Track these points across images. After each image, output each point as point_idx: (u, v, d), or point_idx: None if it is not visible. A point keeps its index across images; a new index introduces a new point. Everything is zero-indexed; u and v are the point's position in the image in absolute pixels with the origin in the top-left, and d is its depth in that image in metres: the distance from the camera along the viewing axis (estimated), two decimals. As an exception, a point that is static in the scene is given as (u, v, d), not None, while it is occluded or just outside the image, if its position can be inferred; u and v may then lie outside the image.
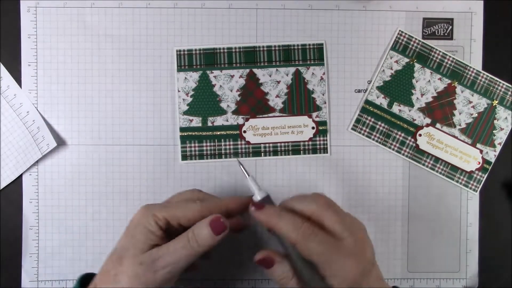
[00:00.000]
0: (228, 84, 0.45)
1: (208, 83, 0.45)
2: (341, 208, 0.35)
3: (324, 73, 0.46)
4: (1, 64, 0.45)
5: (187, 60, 0.45)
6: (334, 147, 0.46)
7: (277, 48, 0.46)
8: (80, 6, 0.45)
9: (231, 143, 0.46)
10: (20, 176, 0.46)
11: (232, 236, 0.46)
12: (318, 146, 0.46)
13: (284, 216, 0.33)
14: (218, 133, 0.46)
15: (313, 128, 0.46)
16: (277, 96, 0.46)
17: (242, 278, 0.46)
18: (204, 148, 0.46)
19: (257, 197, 0.35)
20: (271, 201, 0.35)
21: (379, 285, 0.34)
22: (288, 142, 0.46)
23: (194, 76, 0.45)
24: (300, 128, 0.46)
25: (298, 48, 0.46)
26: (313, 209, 0.34)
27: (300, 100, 0.46)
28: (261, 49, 0.45)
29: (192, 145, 0.46)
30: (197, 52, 0.45)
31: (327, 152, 0.46)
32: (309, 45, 0.46)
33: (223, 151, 0.46)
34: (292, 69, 0.46)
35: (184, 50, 0.45)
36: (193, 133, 0.45)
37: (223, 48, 0.46)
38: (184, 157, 0.46)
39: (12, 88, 0.45)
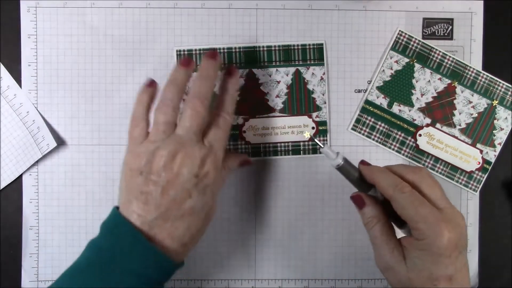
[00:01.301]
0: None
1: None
2: (440, 186, 0.36)
3: (324, 73, 0.46)
4: (1, 64, 0.45)
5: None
6: (334, 147, 0.46)
7: (277, 48, 0.46)
8: (80, 6, 0.45)
9: (231, 142, 0.46)
10: (20, 176, 0.46)
11: (231, 235, 0.46)
12: (318, 146, 0.46)
13: (385, 173, 0.36)
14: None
15: (313, 128, 0.46)
16: (277, 96, 0.46)
17: (242, 278, 0.46)
18: None
19: (338, 161, 0.38)
20: (350, 162, 0.38)
21: (464, 275, 0.34)
22: (288, 142, 0.46)
23: (194, 76, 0.45)
24: (300, 128, 0.46)
25: (298, 48, 0.46)
26: (415, 177, 0.35)
27: (300, 100, 0.46)
28: (261, 49, 0.45)
29: None
30: (197, 52, 0.45)
31: (317, 152, 0.46)
32: (309, 45, 0.46)
33: None
34: (292, 69, 0.46)
35: (184, 50, 0.45)
36: None
37: (223, 48, 0.46)
38: None
39: (12, 88, 0.45)
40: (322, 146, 0.38)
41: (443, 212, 0.34)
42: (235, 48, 0.46)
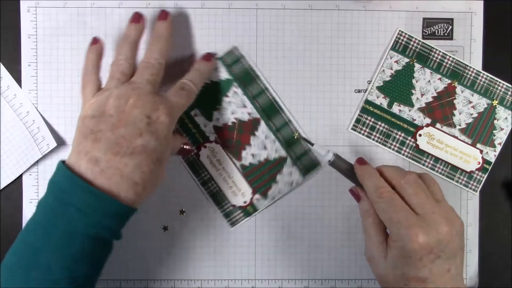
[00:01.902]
0: (235, 107, 0.45)
1: (225, 91, 0.45)
2: (427, 192, 0.37)
3: (297, 183, 0.46)
4: (1, 64, 0.45)
5: (232, 60, 0.46)
6: (334, 147, 0.46)
7: (292, 128, 0.46)
8: (80, 6, 0.45)
9: (189, 140, 0.46)
10: (20, 176, 0.46)
11: (231, 235, 0.46)
12: (232, 216, 0.46)
13: (372, 176, 0.38)
14: (189, 125, 0.46)
15: (245, 202, 0.46)
16: (253, 155, 0.45)
17: (242, 278, 0.46)
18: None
19: (328, 157, 0.40)
20: (342, 158, 0.41)
21: (446, 281, 0.35)
22: (220, 188, 0.46)
23: (224, 74, 0.45)
24: (238, 191, 0.46)
25: (304, 146, 0.46)
26: (400, 182, 0.37)
27: (261, 176, 0.46)
28: (283, 115, 0.46)
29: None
30: (244, 63, 0.45)
31: (233, 226, 0.46)
32: (312, 154, 0.46)
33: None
34: (282, 153, 0.46)
35: (238, 52, 0.45)
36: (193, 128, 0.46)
37: (263, 83, 0.46)
38: None
39: (12, 88, 0.45)
40: (312, 144, 0.40)
41: (422, 218, 0.35)
42: (269, 93, 0.46)
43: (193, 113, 0.45)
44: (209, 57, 0.44)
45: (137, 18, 0.41)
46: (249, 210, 0.46)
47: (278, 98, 0.46)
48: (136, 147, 0.34)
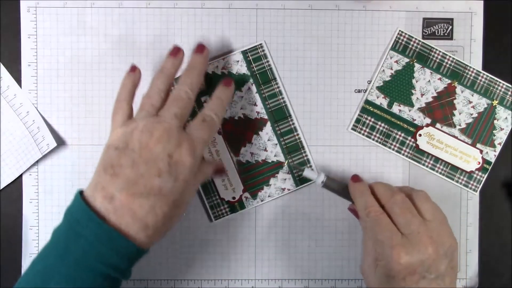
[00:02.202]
0: (246, 103, 0.46)
1: (240, 85, 0.46)
2: (414, 212, 0.37)
3: (288, 190, 0.46)
4: (1, 64, 0.45)
5: (255, 57, 0.46)
6: (334, 147, 0.46)
7: (296, 136, 0.46)
8: (80, 6, 0.45)
9: None
10: (20, 176, 0.46)
11: (231, 235, 0.46)
12: (218, 209, 0.46)
13: (363, 194, 0.39)
14: (198, 111, 0.45)
15: (234, 198, 0.46)
16: (252, 153, 0.46)
17: (242, 278, 0.46)
18: None
19: (320, 179, 0.42)
20: (332, 178, 0.43)
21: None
22: (212, 180, 0.46)
23: (242, 69, 0.45)
24: (229, 186, 0.46)
25: (304, 156, 0.46)
26: (388, 201, 0.38)
27: (255, 176, 0.46)
28: (291, 121, 0.46)
29: None
30: (266, 63, 0.46)
31: (213, 220, 0.46)
32: (310, 166, 0.46)
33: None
34: (281, 158, 0.46)
35: (263, 49, 0.45)
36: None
37: (278, 86, 0.46)
38: None
39: (12, 88, 0.45)
40: (303, 170, 0.40)
41: (406, 238, 0.36)
42: (282, 97, 0.46)
43: (203, 99, 0.45)
44: (229, 82, 0.42)
45: (175, 52, 0.40)
46: (236, 206, 0.46)
47: (289, 104, 0.46)
48: (153, 188, 0.33)
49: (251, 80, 0.45)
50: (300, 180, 0.46)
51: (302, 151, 0.46)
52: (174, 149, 0.34)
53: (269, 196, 0.46)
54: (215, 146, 0.45)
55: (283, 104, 0.46)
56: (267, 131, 0.46)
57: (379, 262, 0.36)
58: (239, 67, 0.46)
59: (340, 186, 0.42)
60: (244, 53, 0.46)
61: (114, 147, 0.35)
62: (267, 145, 0.46)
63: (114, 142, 0.35)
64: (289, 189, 0.46)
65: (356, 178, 0.41)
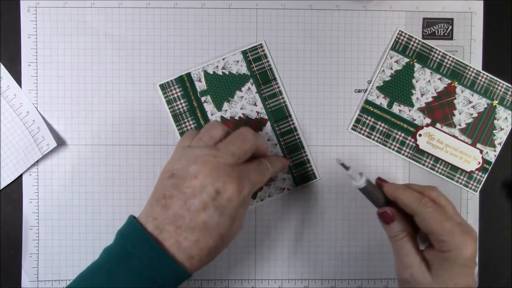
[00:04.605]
0: (246, 103, 0.46)
1: (240, 85, 0.46)
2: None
3: (288, 189, 0.46)
4: (1, 64, 0.45)
5: (255, 57, 0.46)
6: (334, 147, 0.46)
7: (297, 136, 0.46)
8: (80, 6, 0.45)
9: (192, 126, 0.46)
10: (20, 176, 0.46)
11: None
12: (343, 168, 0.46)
13: (407, 190, 0.37)
14: (197, 111, 0.45)
15: None
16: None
17: (242, 278, 0.46)
18: (178, 102, 0.45)
19: (362, 182, 0.38)
20: (371, 183, 0.39)
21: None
22: None
23: (242, 69, 0.46)
24: None
25: (304, 156, 0.46)
26: (432, 194, 0.37)
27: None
28: (291, 121, 0.46)
29: (177, 90, 0.45)
30: (266, 63, 0.46)
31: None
32: (310, 166, 0.46)
33: (181, 121, 0.46)
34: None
35: (263, 50, 0.46)
36: (188, 86, 0.45)
37: (278, 86, 0.46)
38: (163, 87, 0.45)
39: (12, 88, 0.45)
40: (348, 168, 0.38)
41: (462, 226, 0.35)
42: (282, 97, 0.46)
43: (203, 99, 0.45)
44: (287, 158, 0.45)
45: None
46: None
47: (289, 104, 0.46)
48: (198, 223, 0.34)
49: (251, 80, 0.45)
50: (300, 180, 0.46)
51: (302, 151, 0.46)
52: (222, 185, 0.34)
53: (269, 196, 0.46)
54: None
55: (283, 104, 0.46)
56: (267, 131, 0.46)
57: (445, 253, 0.35)
58: (239, 67, 0.46)
59: (378, 191, 0.39)
60: (244, 53, 0.46)
61: (169, 174, 0.35)
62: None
63: (169, 167, 0.36)
64: (288, 189, 0.46)
65: (382, 179, 0.40)
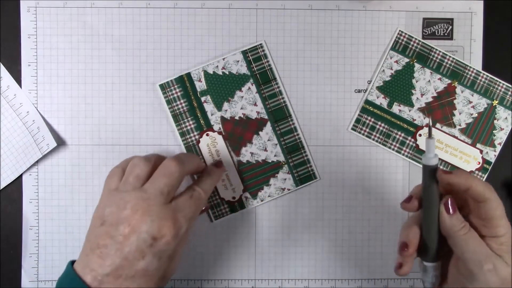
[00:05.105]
0: (246, 103, 0.46)
1: (240, 85, 0.46)
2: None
3: (288, 190, 0.46)
4: (1, 64, 0.45)
5: (255, 57, 0.46)
6: (334, 147, 0.46)
7: (297, 136, 0.46)
8: (80, 6, 0.45)
9: (192, 126, 0.45)
10: (20, 176, 0.46)
11: (231, 235, 0.46)
12: (218, 209, 0.46)
13: (476, 177, 0.34)
14: (197, 111, 0.45)
15: (234, 198, 0.46)
16: (252, 153, 0.46)
17: (242, 278, 0.46)
18: (178, 102, 0.45)
19: (432, 161, 0.35)
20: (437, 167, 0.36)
21: None
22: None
23: (242, 69, 0.46)
24: (229, 185, 0.46)
25: (304, 156, 0.46)
26: (485, 189, 0.34)
27: (255, 176, 0.46)
28: (291, 121, 0.46)
29: (177, 90, 0.45)
30: (266, 63, 0.46)
31: (213, 220, 0.46)
32: (310, 165, 0.46)
33: (181, 122, 0.46)
34: (281, 158, 0.46)
35: (263, 50, 0.46)
36: (188, 86, 0.45)
37: (278, 86, 0.46)
38: (162, 87, 0.45)
39: (12, 88, 0.45)
40: (432, 137, 0.35)
41: None
42: (282, 97, 0.46)
43: (203, 99, 0.45)
44: (220, 164, 0.44)
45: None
46: (236, 206, 0.46)
47: (289, 104, 0.46)
48: (138, 271, 0.34)
49: (251, 80, 0.46)
50: (300, 180, 0.46)
51: (302, 151, 0.46)
52: (157, 230, 0.34)
53: (269, 196, 0.46)
54: (215, 146, 0.45)
55: (283, 104, 0.46)
56: (267, 131, 0.46)
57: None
58: (239, 67, 0.46)
59: (434, 179, 0.35)
60: (244, 53, 0.46)
61: (101, 222, 0.35)
62: (267, 145, 0.46)
63: (99, 214, 0.35)
64: (289, 189, 0.46)
65: (446, 171, 0.35)
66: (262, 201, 0.46)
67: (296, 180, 0.46)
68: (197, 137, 0.46)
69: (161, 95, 0.46)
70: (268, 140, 0.46)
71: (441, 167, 0.35)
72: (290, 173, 0.46)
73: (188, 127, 0.46)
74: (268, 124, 0.46)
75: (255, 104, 0.46)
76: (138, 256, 0.33)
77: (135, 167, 0.36)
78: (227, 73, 0.46)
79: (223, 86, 0.46)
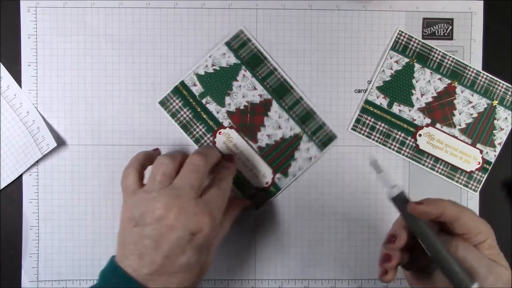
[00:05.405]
0: (246, 90, 0.46)
1: (234, 75, 0.45)
2: None
3: (315, 157, 0.46)
4: (1, 64, 0.45)
5: (239, 44, 0.45)
6: (334, 147, 0.47)
7: (305, 104, 0.46)
8: (80, 6, 0.45)
9: (203, 129, 0.46)
10: (20, 176, 0.46)
11: (231, 235, 0.46)
12: (256, 198, 0.46)
13: (445, 201, 0.35)
14: (202, 113, 0.46)
15: (267, 183, 0.46)
16: (268, 135, 0.46)
17: (242, 278, 0.46)
18: (182, 112, 0.46)
19: (394, 192, 0.35)
20: (406, 196, 0.36)
21: None
22: (240, 173, 0.46)
23: (231, 59, 0.45)
24: (258, 173, 0.46)
25: (318, 121, 0.46)
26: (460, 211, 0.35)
27: (279, 155, 0.46)
28: (294, 93, 0.46)
29: (177, 101, 0.45)
30: (252, 46, 0.45)
31: (257, 209, 0.46)
32: (327, 127, 0.46)
33: (192, 129, 0.46)
34: (297, 130, 0.46)
35: (245, 35, 0.45)
36: (186, 94, 0.45)
37: (271, 64, 0.46)
38: (162, 103, 0.45)
39: (12, 88, 0.45)
40: (381, 172, 0.36)
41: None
42: (277, 73, 0.46)
43: (204, 101, 0.45)
44: (232, 158, 0.43)
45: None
46: (272, 190, 0.46)
47: (287, 77, 0.46)
48: (180, 266, 0.34)
49: (243, 67, 0.45)
50: (323, 144, 0.46)
51: (315, 116, 0.46)
52: (194, 224, 0.34)
53: (299, 169, 0.46)
54: (231, 141, 0.45)
55: (282, 79, 0.46)
56: (275, 109, 0.46)
57: (488, 251, 0.35)
58: (227, 58, 0.46)
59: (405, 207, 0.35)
60: (228, 44, 0.46)
61: (134, 223, 0.35)
62: (280, 123, 0.46)
63: (131, 215, 0.35)
64: (315, 156, 0.46)
65: (416, 202, 0.36)
66: (294, 176, 0.46)
67: (319, 146, 0.46)
68: (211, 138, 0.46)
69: (163, 111, 0.46)
70: (279, 117, 0.46)
71: (412, 199, 0.35)
72: (311, 141, 0.46)
73: (200, 132, 0.46)
74: (274, 102, 0.46)
75: (255, 88, 0.46)
76: (179, 253, 0.34)
77: (161, 165, 0.36)
78: (218, 68, 0.46)
79: (219, 82, 0.46)
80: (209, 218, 0.35)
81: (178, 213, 0.34)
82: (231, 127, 0.46)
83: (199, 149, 0.39)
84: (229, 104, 0.46)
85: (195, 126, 0.46)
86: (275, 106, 0.46)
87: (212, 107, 0.46)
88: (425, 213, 0.35)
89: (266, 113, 0.46)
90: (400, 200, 0.36)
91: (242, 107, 0.46)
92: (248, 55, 0.46)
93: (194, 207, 0.35)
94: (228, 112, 0.46)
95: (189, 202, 0.35)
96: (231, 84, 0.46)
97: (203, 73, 0.46)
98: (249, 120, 0.46)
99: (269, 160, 0.46)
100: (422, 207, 0.35)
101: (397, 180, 0.47)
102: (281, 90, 0.46)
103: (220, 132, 0.46)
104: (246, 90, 0.46)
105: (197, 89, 0.46)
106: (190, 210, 0.34)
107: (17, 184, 0.46)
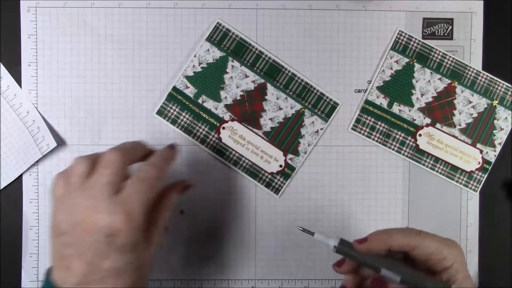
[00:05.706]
0: (238, 80, 0.45)
1: (223, 68, 0.45)
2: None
3: (322, 129, 0.46)
4: (1, 64, 0.45)
5: (220, 36, 0.45)
6: (334, 147, 0.47)
7: (299, 80, 0.46)
8: (80, 6, 0.45)
9: (206, 128, 0.46)
10: (20, 176, 0.46)
11: (231, 235, 0.46)
12: (273, 184, 0.46)
13: (392, 231, 0.35)
14: (202, 113, 0.46)
15: (280, 166, 0.46)
16: (271, 119, 0.46)
17: (242, 278, 0.46)
18: (182, 117, 0.46)
19: (333, 244, 0.37)
20: (348, 242, 0.36)
21: None
22: (252, 162, 0.46)
23: (216, 53, 0.45)
24: (270, 158, 0.46)
25: (316, 93, 0.46)
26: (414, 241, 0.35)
27: (286, 136, 0.46)
28: (286, 71, 0.46)
29: (174, 107, 0.45)
30: (233, 35, 0.45)
31: (278, 194, 0.46)
32: (327, 97, 0.46)
33: (195, 131, 0.46)
34: (298, 106, 0.46)
35: (223, 26, 0.45)
36: (181, 98, 0.45)
37: (256, 49, 0.46)
38: (160, 113, 0.46)
39: (12, 88, 0.45)
40: (313, 234, 0.38)
41: (444, 239, 0.35)
42: (265, 55, 0.46)
43: (200, 100, 0.45)
44: (172, 147, 0.39)
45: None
46: (287, 172, 0.46)
47: (275, 58, 0.46)
48: (106, 271, 0.32)
49: (230, 58, 0.45)
50: (327, 115, 0.46)
51: (312, 89, 0.46)
52: (108, 226, 0.31)
53: (309, 145, 0.46)
54: (236, 133, 0.45)
55: (270, 61, 0.46)
56: (271, 91, 0.46)
57: (449, 269, 0.35)
58: (212, 53, 0.46)
59: (353, 250, 0.36)
60: (209, 39, 0.46)
61: (56, 233, 0.33)
62: (279, 104, 0.46)
63: (54, 224, 0.33)
64: (321, 129, 0.46)
65: (360, 240, 0.36)
66: (306, 153, 0.46)
67: (323, 117, 0.46)
68: (216, 135, 0.46)
69: (163, 121, 0.46)
70: (277, 99, 0.46)
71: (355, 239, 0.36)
72: (314, 114, 0.46)
73: (204, 132, 0.46)
74: (268, 85, 0.46)
75: (247, 76, 0.46)
76: (102, 258, 0.32)
77: (73, 167, 0.34)
78: (206, 65, 0.46)
79: (210, 79, 0.46)
80: (125, 218, 0.32)
81: (92, 215, 0.32)
82: (232, 120, 0.46)
83: (119, 144, 0.37)
84: (225, 97, 0.46)
85: (197, 127, 0.46)
86: (270, 88, 0.46)
87: (210, 104, 0.46)
88: (370, 251, 0.35)
89: (264, 97, 0.46)
90: (345, 246, 0.36)
91: (238, 97, 0.46)
92: (232, 45, 0.46)
93: (108, 207, 0.32)
94: (227, 106, 0.46)
95: (103, 202, 0.32)
96: (223, 78, 0.46)
97: (192, 74, 0.46)
98: (248, 108, 0.46)
99: (278, 143, 0.46)
100: (365, 246, 0.35)
101: (397, 180, 0.47)
102: (272, 72, 0.46)
103: (223, 127, 0.46)
104: (239, 79, 0.46)
105: (190, 91, 0.46)
106: (104, 211, 0.32)
107: (17, 184, 0.46)
